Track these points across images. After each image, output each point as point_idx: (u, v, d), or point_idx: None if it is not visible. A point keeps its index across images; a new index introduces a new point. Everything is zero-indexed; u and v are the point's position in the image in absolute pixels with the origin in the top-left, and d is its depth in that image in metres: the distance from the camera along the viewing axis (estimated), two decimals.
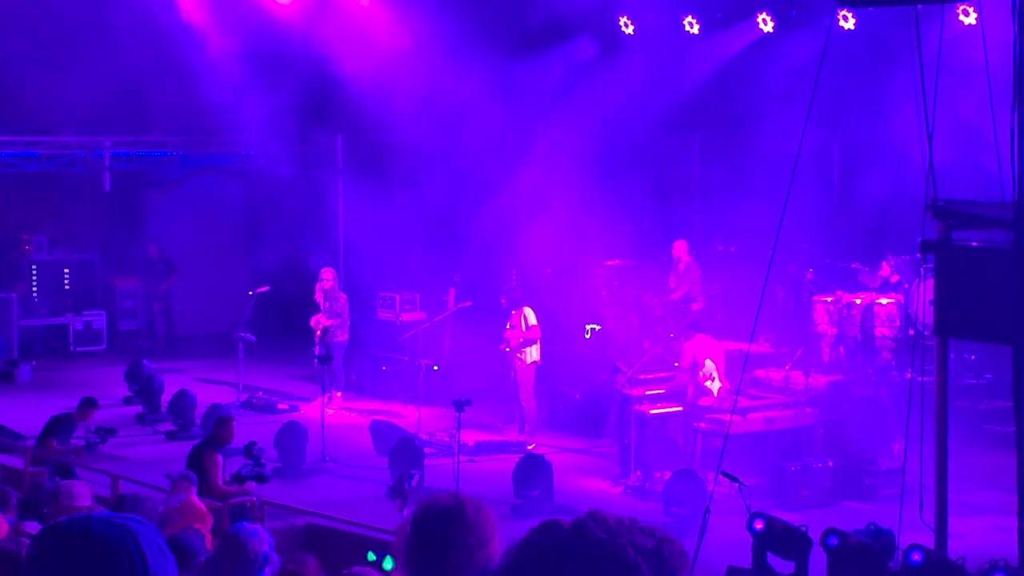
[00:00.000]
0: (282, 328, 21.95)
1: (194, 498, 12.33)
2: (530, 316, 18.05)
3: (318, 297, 20.01)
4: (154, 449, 17.51)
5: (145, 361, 20.25)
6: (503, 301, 18.37)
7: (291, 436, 16.70)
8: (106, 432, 16.68)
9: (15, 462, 15.45)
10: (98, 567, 1.40)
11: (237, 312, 21.29)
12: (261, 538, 5.74)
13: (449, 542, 3.64)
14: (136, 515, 2.53)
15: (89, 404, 16.13)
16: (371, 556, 6.06)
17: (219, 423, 14.42)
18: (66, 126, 22.64)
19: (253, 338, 20.28)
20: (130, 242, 24.33)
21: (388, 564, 5.89)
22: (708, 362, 16.15)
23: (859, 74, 18.63)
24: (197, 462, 13.71)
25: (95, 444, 16.47)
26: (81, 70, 20.72)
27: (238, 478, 13.95)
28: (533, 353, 18.05)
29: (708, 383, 16.04)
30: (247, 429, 17.09)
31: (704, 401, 16.02)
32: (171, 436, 17.99)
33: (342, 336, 20.03)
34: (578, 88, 21.01)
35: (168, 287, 24.07)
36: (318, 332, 19.94)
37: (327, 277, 20.14)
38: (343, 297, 20.25)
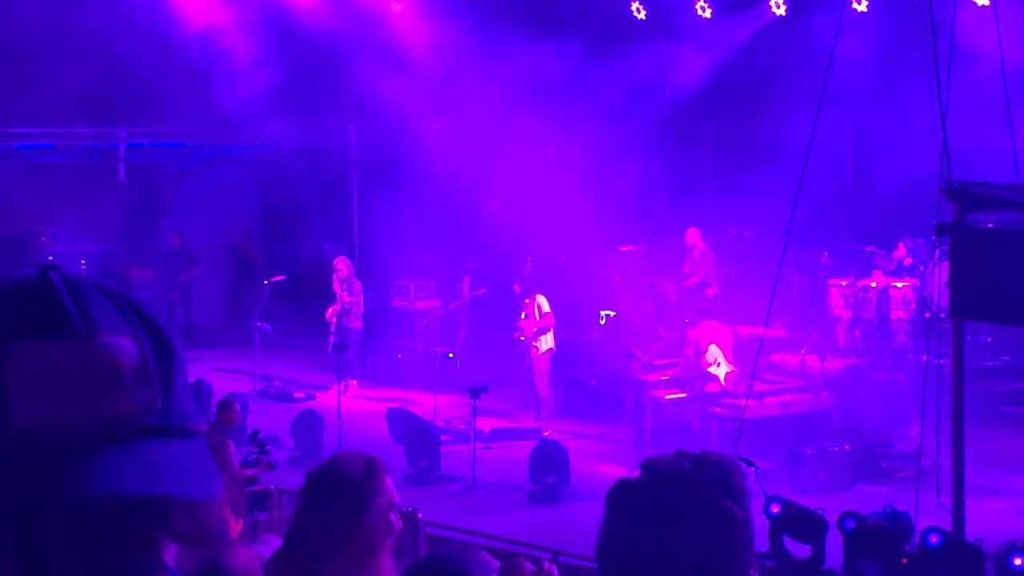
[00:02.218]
0: (297, 317, 21.98)
1: None
2: (543, 304, 18.07)
3: (336, 287, 20.05)
4: None
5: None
6: (517, 288, 18.39)
7: (308, 424, 16.75)
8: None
9: None
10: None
11: (253, 302, 21.35)
12: None
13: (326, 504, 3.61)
14: None
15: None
16: None
17: (221, 408, 14.48)
18: (81, 118, 22.69)
19: (269, 327, 20.34)
20: (146, 233, 24.37)
21: None
22: (712, 347, 16.12)
23: (873, 57, 18.57)
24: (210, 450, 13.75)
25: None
26: (96, 62, 20.76)
27: (244, 466, 14.01)
28: (548, 340, 18.07)
29: (712, 369, 16.02)
30: (264, 418, 17.15)
31: (711, 387, 16.00)
32: None
33: (356, 323, 20.07)
34: (592, 74, 20.98)
35: (189, 279, 24.09)
36: (333, 322, 19.98)
37: (341, 267, 20.18)
38: (359, 285, 20.29)
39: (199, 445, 1.23)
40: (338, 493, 3.60)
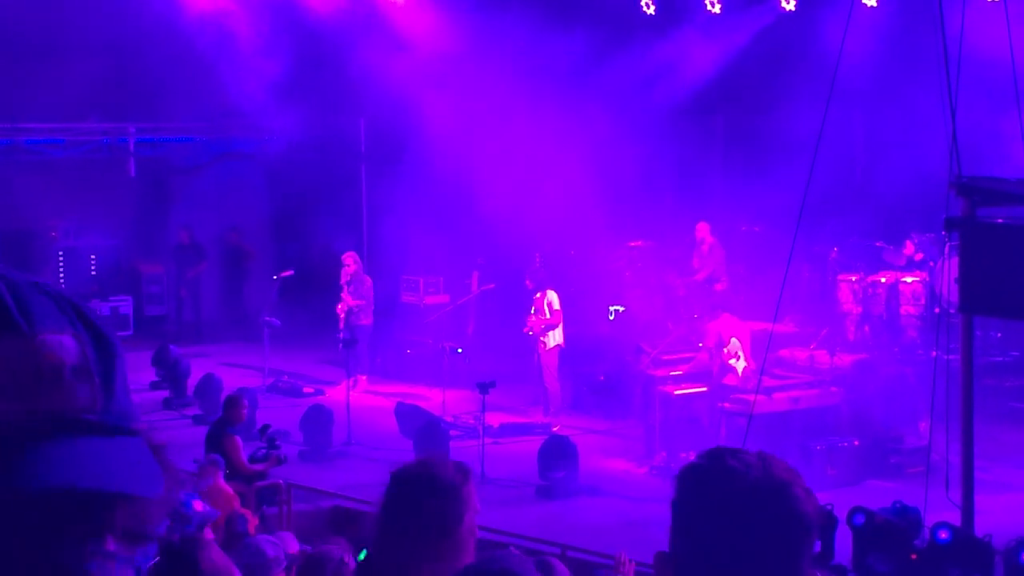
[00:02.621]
0: (307, 312, 22.00)
1: (221, 482, 12.41)
2: (554, 301, 18.07)
3: (344, 282, 20.08)
4: (181, 433, 17.56)
5: (171, 346, 20.33)
6: (528, 283, 18.39)
7: (317, 419, 16.77)
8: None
9: None
10: None
11: (262, 296, 21.38)
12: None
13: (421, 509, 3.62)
14: None
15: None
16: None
17: (228, 403, 14.51)
18: (91, 113, 22.72)
19: (278, 322, 20.36)
20: (155, 228, 24.41)
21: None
22: (734, 340, 16.12)
23: (882, 51, 18.54)
24: (217, 448, 13.79)
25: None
26: (105, 57, 20.79)
27: (253, 460, 14.04)
28: (556, 337, 18.08)
29: (733, 361, 16.01)
30: (273, 413, 17.18)
31: (729, 380, 16.00)
32: (198, 420, 18.06)
33: (366, 320, 20.09)
34: (601, 69, 20.97)
35: (198, 273, 24.12)
36: (343, 317, 20.00)
37: (349, 262, 20.19)
38: (368, 281, 20.30)
39: (139, 444, 1.22)
40: (440, 498, 3.66)
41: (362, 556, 5.92)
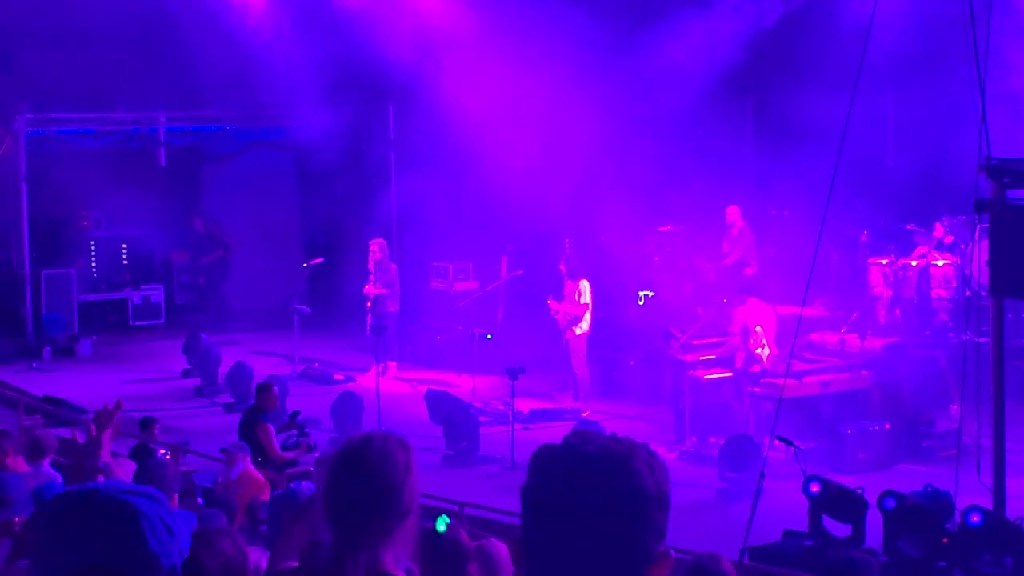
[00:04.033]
0: (337, 299, 22.06)
1: (251, 468, 12.49)
2: (585, 292, 18.05)
3: (371, 268, 20.14)
4: (212, 421, 17.69)
5: (202, 335, 20.43)
6: (562, 267, 18.38)
7: (347, 406, 16.83)
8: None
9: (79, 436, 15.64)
10: (95, 536, 1.22)
11: (292, 284, 21.45)
12: None
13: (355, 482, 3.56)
14: (153, 488, 2.50)
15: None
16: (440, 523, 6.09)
17: (260, 391, 14.58)
18: (121, 102, 22.81)
19: (308, 310, 20.44)
20: (186, 216, 24.51)
21: (441, 525, 5.90)
22: (758, 328, 16.08)
23: (912, 33, 18.43)
24: (250, 435, 13.87)
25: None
26: (135, 46, 20.86)
27: (284, 448, 14.11)
28: (583, 324, 18.08)
29: (758, 350, 15.97)
30: (303, 400, 17.26)
31: (755, 368, 15.96)
32: (229, 408, 18.16)
33: (393, 307, 20.13)
34: (630, 52, 20.91)
35: (213, 261, 24.07)
36: (370, 302, 20.05)
37: (375, 248, 20.24)
38: (394, 268, 20.35)
39: None
40: (378, 476, 3.61)
41: (441, 525, 5.96)
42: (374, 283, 20.04)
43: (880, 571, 7.15)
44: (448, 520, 6.22)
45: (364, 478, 3.56)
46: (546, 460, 2.31)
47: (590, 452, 2.26)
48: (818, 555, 10.52)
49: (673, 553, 2.29)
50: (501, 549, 5.84)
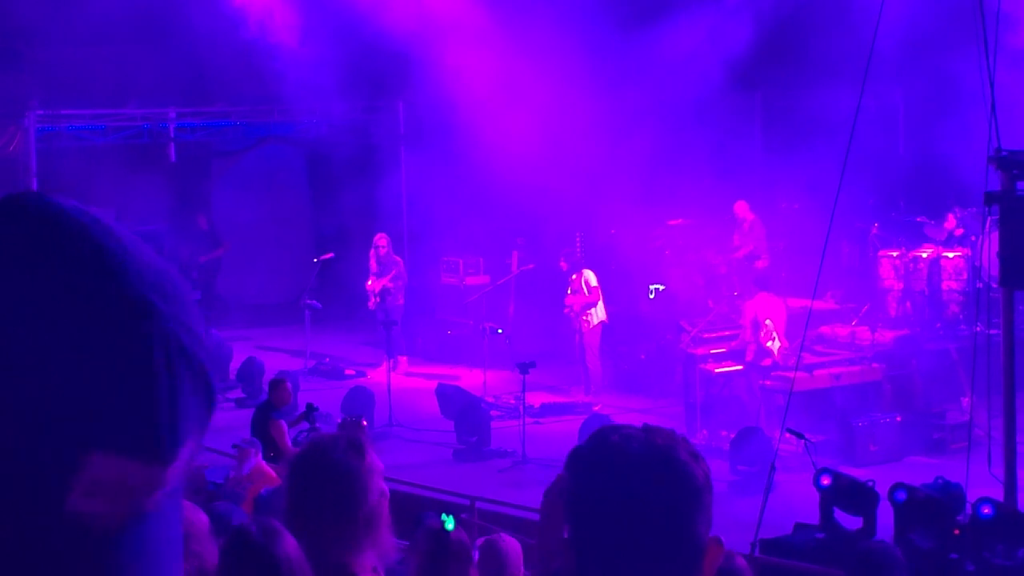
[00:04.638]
0: (347, 294, 22.09)
1: (263, 463, 12.51)
2: (591, 279, 18.07)
3: (372, 264, 20.15)
4: (224, 416, 17.69)
5: (213, 330, 20.44)
6: (563, 264, 18.40)
7: (358, 401, 16.86)
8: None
9: None
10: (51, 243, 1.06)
11: (302, 280, 21.48)
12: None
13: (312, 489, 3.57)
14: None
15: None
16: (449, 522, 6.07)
17: (273, 386, 14.60)
18: (131, 98, 22.84)
19: (319, 305, 20.46)
20: (197, 212, 24.53)
21: (450, 523, 5.88)
22: (768, 322, 16.07)
23: (922, 24, 18.40)
24: (262, 431, 13.90)
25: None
26: (144, 42, 20.90)
27: (296, 443, 14.12)
28: (598, 313, 18.08)
29: (769, 343, 15.96)
30: (315, 395, 17.25)
31: (766, 362, 15.95)
32: (240, 403, 18.19)
33: (401, 300, 20.17)
34: (639, 45, 20.90)
35: (210, 260, 24.01)
36: (376, 296, 20.06)
37: (382, 244, 20.26)
38: (400, 261, 20.37)
39: None
40: (335, 482, 3.61)
41: (449, 525, 5.95)
42: (380, 277, 20.06)
43: (906, 561, 7.16)
44: (453, 519, 6.21)
45: (321, 483, 3.57)
46: (590, 461, 2.32)
47: (635, 448, 2.27)
48: (845, 547, 10.53)
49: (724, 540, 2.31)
50: (512, 546, 5.84)
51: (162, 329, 1.11)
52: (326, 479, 3.58)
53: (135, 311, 1.11)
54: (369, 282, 20.18)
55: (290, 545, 4.38)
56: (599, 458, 2.29)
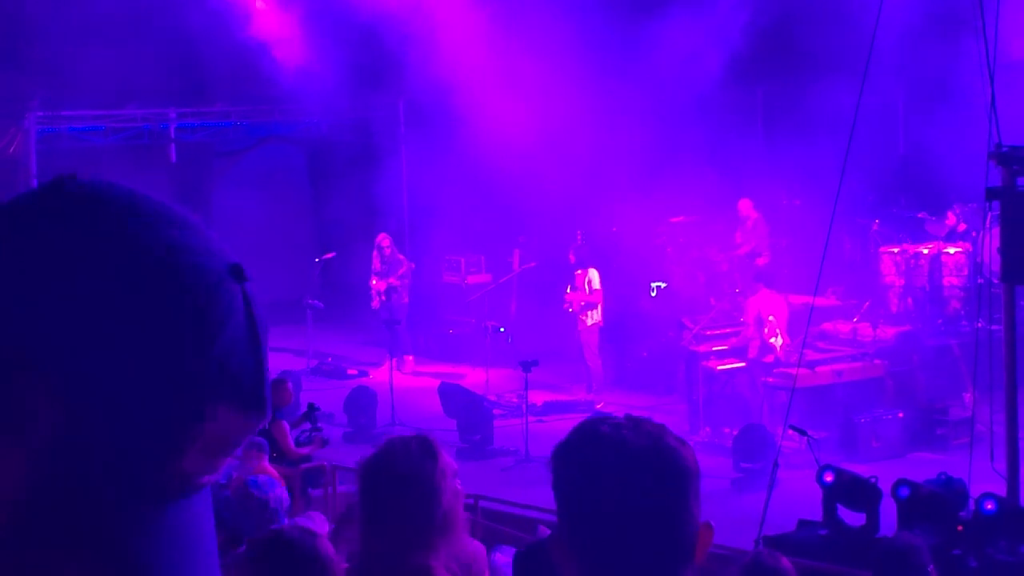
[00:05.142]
0: (349, 294, 22.10)
1: (266, 465, 12.50)
2: (595, 279, 18.06)
3: (376, 264, 20.16)
4: None
5: None
6: (571, 258, 18.39)
7: (361, 400, 16.87)
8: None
9: None
10: None
11: (304, 279, 21.47)
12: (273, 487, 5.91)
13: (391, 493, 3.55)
14: None
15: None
16: None
17: (274, 386, 14.56)
18: (131, 99, 22.84)
19: (321, 304, 20.46)
20: (198, 212, 24.43)
21: None
22: (771, 318, 16.08)
23: (922, 20, 18.39)
24: (264, 431, 13.88)
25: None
26: (144, 42, 20.89)
27: (298, 443, 14.12)
28: (595, 315, 18.08)
29: (771, 340, 15.96)
30: (318, 395, 17.25)
31: (768, 358, 15.95)
32: None
33: (406, 299, 20.17)
34: (640, 42, 20.88)
35: None
36: (380, 295, 20.06)
37: (385, 244, 20.26)
38: (404, 260, 20.37)
39: None
40: (409, 486, 3.60)
41: None
42: (384, 276, 20.05)
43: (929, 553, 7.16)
44: None
45: (396, 488, 3.56)
46: (579, 453, 2.32)
47: (626, 436, 2.28)
48: (849, 544, 10.53)
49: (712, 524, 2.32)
50: (479, 550, 5.81)
51: (248, 290, 1.25)
52: (401, 483, 3.57)
53: (234, 273, 1.24)
54: (373, 281, 20.19)
55: (327, 547, 4.38)
56: (591, 448, 2.30)
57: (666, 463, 2.26)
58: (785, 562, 5.85)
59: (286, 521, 6.12)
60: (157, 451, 1.13)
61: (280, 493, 6.40)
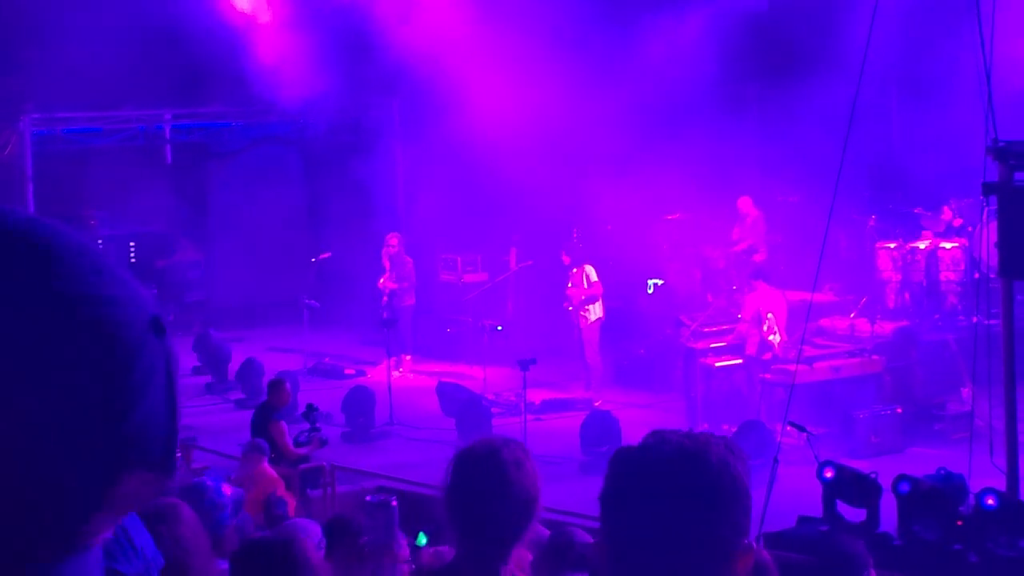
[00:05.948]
0: (346, 293, 22.08)
1: (266, 466, 12.49)
2: (591, 274, 18.06)
3: (385, 262, 20.14)
4: (224, 418, 17.71)
5: (212, 331, 20.44)
6: (565, 257, 18.38)
7: (359, 400, 16.85)
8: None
9: None
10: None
11: (300, 279, 21.45)
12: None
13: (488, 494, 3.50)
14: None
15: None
16: (421, 539, 6.05)
17: (272, 387, 14.56)
18: (126, 100, 22.81)
19: (317, 304, 20.44)
20: (193, 213, 24.51)
21: (421, 540, 5.84)
22: (769, 315, 16.07)
23: (918, 14, 18.39)
24: (263, 433, 13.87)
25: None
26: (139, 44, 20.85)
27: (296, 444, 14.11)
28: (596, 310, 18.06)
29: (770, 337, 15.95)
30: (315, 395, 17.24)
31: (766, 355, 15.94)
32: (240, 404, 18.18)
33: (409, 300, 20.15)
34: (635, 40, 20.88)
35: (167, 264, 23.99)
36: (385, 295, 20.05)
37: (393, 243, 20.24)
38: (410, 261, 20.35)
39: None
40: (519, 476, 3.56)
41: (421, 540, 5.89)
42: (392, 275, 20.05)
43: (868, 556, 7.14)
44: (425, 537, 6.16)
45: (503, 490, 3.52)
46: (622, 463, 2.31)
47: (664, 451, 2.26)
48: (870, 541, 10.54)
49: (756, 546, 2.29)
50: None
51: (168, 345, 1.19)
52: (509, 483, 3.51)
53: (155, 327, 1.18)
54: (381, 280, 20.18)
55: (309, 549, 4.35)
56: (632, 458, 2.29)
57: (699, 480, 2.24)
58: (765, 555, 5.84)
59: (231, 519, 6.04)
60: (67, 513, 1.11)
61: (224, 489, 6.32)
